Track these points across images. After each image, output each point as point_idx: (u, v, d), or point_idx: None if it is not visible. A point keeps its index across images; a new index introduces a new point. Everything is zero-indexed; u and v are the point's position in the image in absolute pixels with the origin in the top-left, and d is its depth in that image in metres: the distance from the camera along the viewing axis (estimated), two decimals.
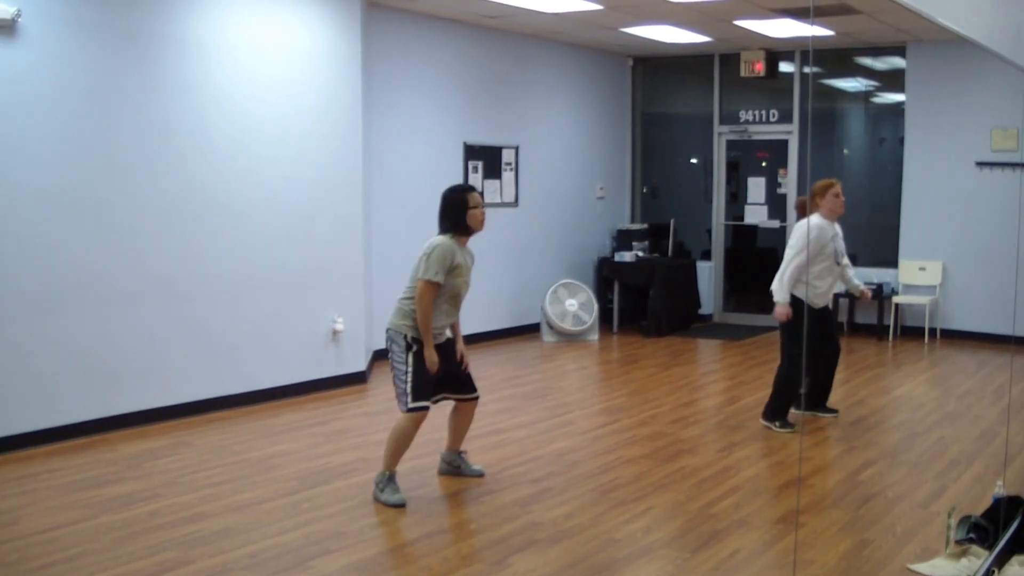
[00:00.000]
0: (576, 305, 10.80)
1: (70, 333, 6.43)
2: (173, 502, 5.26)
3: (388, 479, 5.33)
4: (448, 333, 5.59)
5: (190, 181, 7.08)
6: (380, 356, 9.27)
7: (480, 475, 5.76)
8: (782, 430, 6.83)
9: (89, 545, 4.63)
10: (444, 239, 5.39)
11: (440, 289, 5.31)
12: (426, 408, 5.32)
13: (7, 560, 4.46)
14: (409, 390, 5.28)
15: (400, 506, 5.22)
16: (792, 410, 7.02)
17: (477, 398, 5.72)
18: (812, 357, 7.08)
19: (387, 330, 5.45)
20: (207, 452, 6.26)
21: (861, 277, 11.23)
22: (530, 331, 11.08)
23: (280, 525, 4.95)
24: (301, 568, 4.40)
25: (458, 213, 5.43)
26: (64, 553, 4.53)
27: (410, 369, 5.30)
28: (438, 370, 5.37)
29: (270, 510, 5.17)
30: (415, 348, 5.31)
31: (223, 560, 4.47)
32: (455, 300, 5.47)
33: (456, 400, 5.68)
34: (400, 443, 5.34)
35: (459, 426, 5.75)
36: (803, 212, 7.18)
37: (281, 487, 5.57)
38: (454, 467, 5.80)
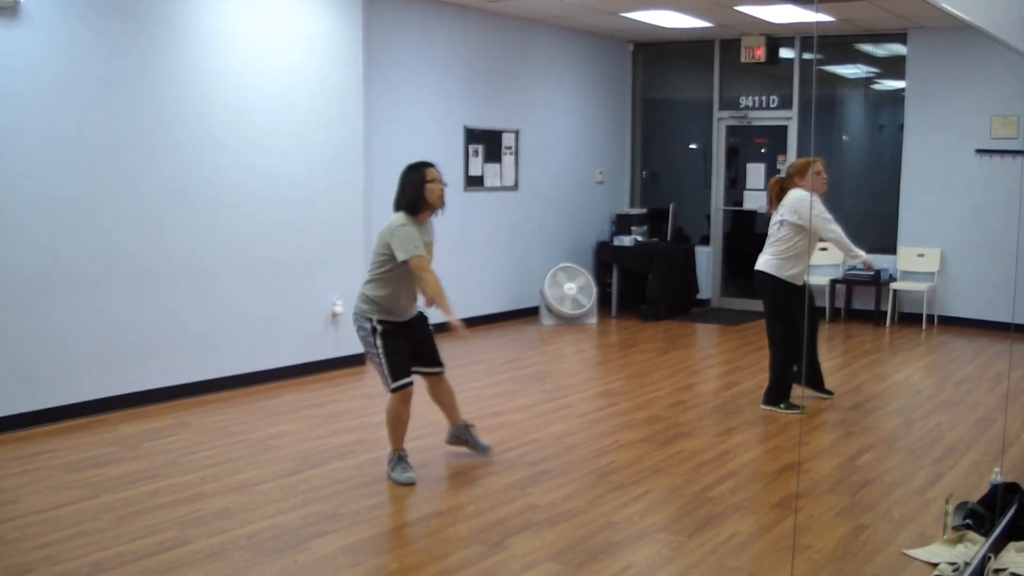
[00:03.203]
0: (575, 289, 10.80)
1: (70, 315, 6.44)
2: (172, 482, 5.28)
3: (397, 459, 5.41)
4: (417, 309, 5.61)
5: (192, 164, 7.07)
6: None
7: (486, 450, 5.82)
8: (788, 412, 6.86)
9: (89, 524, 4.65)
10: (402, 218, 5.40)
11: (402, 270, 5.32)
12: (410, 384, 5.38)
13: (8, 538, 4.48)
14: (388, 372, 5.34)
15: (409, 484, 5.30)
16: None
17: (441, 372, 5.70)
18: (799, 336, 7.03)
19: (353, 315, 5.49)
20: (206, 433, 6.28)
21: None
22: (529, 314, 11.09)
23: (278, 506, 4.97)
24: (298, 549, 4.42)
25: (416, 189, 5.41)
26: (64, 532, 4.55)
27: (381, 351, 5.35)
28: (408, 344, 5.42)
29: (268, 491, 5.18)
30: (380, 329, 5.35)
31: (221, 540, 4.48)
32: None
33: (422, 375, 5.67)
34: (396, 423, 5.41)
35: (444, 401, 5.80)
36: (774, 194, 7.06)
37: (279, 468, 5.59)
38: (462, 440, 5.86)
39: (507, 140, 10.75)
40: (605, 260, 11.76)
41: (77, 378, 6.52)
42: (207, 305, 7.24)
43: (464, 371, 8.26)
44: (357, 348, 8.35)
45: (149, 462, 5.64)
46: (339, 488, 5.24)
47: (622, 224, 11.90)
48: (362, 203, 8.41)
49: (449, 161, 10.03)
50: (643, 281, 11.39)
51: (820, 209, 6.76)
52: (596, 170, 12.25)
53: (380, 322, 5.35)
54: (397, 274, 5.34)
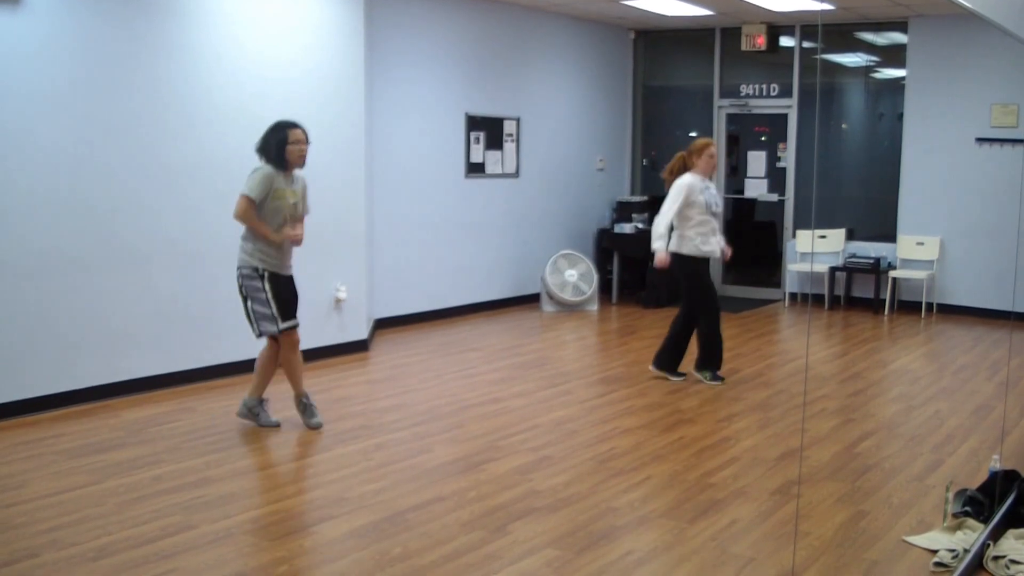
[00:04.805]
0: (576, 276, 10.83)
1: (73, 301, 6.46)
2: (176, 467, 5.31)
3: (264, 405, 6.08)
4: (291, 267, 6.04)
5: (196, 149, 7.09)
6: (381, 325, 9.32)
7: (276, 425, 6.16)
8: (676, 378, 7.47)
9: (94, 509, 4.69)
10: (267, 167, 5.82)
11: (266, 215, 5.81)
12: (296, 325, 5.99)
13: (14, 523, 4.51)
14: (276, 312, 5.86)
15: (276, 426, 6.03)
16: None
17: (295, 325, 6.08)
18: (697, 313, 7.50)
19: (237, 269, 5.94)
20: (210, 418, 6.31)
21: (860, 251, 11.37)
22: (530, 301, 11.11)
23: (282, 491, 5.00)
24: (303, 533, 4.45)
25: (279, 148, 5.81)
26: (69, 517, 4.58)
27: (270, 294, 5.85)
28: (288, 295, 5.95)
29: (272, 475, 5.22)
30: (268, 275, 5.84)
31: (226, 525, 4.52)
32: (291, 222, 5.93)
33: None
34: (266, 369, 6.08)
35: (275, 370, 6.19)
36: (672, 171, 7.41)
37: (283, 453, 5.62)
38: (254, 414, 6.19)
39: (508, 127, 10.76)
40: (606, 247, 11.78)
41: (81, 364, 6.54)
42: (210, 291, 7.25)
43: (464, 357, 8.29)
44: (360, 334, 8.40)
45: (153, 447, 5.67)
46: (343, 473, 5.27)
47: (623, 211, 11.92)
48: (364, 189, 8.42)
49: (450, 148, 10.05)
50: (643, 268, 11.41)
51: (671, 196, 7.25)
52: (597, 157, 12.26)
53: (266, 270, 5.82)
54: (265, 218, 5.80)
